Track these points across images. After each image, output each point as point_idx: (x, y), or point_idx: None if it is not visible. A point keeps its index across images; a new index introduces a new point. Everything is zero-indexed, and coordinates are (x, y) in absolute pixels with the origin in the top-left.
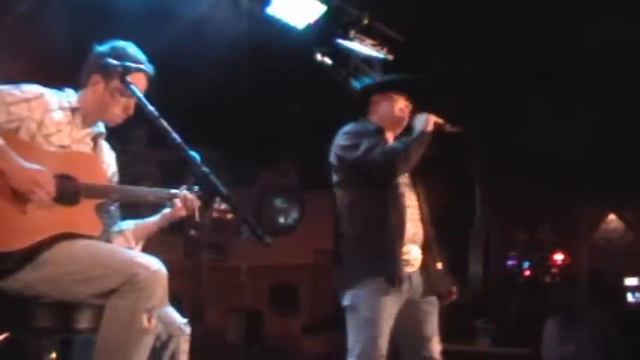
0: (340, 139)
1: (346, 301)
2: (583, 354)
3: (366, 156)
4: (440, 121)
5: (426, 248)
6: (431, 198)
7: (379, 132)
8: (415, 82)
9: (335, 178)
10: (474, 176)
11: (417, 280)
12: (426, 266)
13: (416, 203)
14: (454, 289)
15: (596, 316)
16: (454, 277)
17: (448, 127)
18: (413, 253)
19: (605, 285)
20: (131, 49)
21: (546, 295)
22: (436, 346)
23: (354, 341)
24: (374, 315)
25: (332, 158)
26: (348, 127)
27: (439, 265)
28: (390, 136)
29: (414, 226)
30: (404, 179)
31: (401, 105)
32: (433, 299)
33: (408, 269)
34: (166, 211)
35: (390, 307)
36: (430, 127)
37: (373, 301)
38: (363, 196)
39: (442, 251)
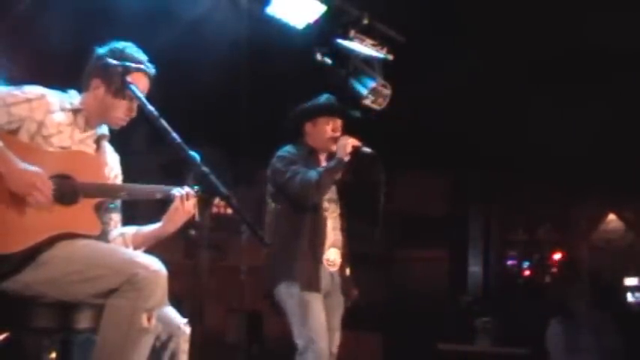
0: (275, 161)
1: (278, 292)
2: None
3: (287, 183)
4: (357, 143)
5: (344, 253)
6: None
7: (311, 154)
8: (343, 109)
9: (269, 189)
10: (379, 193)
11: (337, 277)
12: (342, 268)
13: (338, 212)
14: (355, 292)
15: (597, 318)
16: (357, 283)
17: (364, 149)
18: (334, 255)
19: (605, 285)
20: (131, 49)
21: (546, 295)
22: (337, 340)
23: (297, 327)
24: (308, 299)
25: (268, 173)
26: (282, 151)
27: (347, 271)
28: (322, 157)
29: (335, 233)
30: (330, 194)
31: (332, 127)
32: (341, 297)
33: (331, 268)
34: (168, 214)
35: (319, 297)
36: (347, 154)
37: (301, 293)
38: (289, 209)
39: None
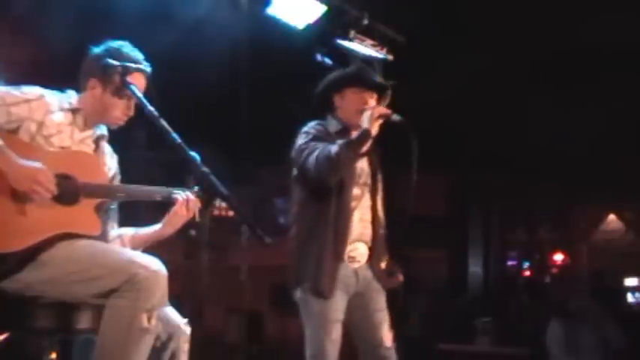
0: (298, 138)
1: (296, 296)
2: None
3: (305, 161)
4: (385, 111)
5: (373, 247)
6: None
7: (342, 130)
8: (373, 78)
9: (293, 172)
10: (412, 164)
11: (364, 273)
12: (371, 262)
13: (369, 203)
14: (393, 280)
15: (598, 317)
16: (394, 277)
17: (394, 117)
18: (359, 250)
19: (606, 285)
20: (127, 48)
21: (546, 295)
22: (387, 334)
23: (308, 335)
24: (323, 310)
25: (292, 154)
26: (307, 126)
27: (383, 265)
28: (355, 134)
29: (362, 226)
30: (362, 179)
31: (362, 98)
32: (380, 290)
33: (354, 265)
34: (168, 217)
35: (336, 303)
36: (373, 124)
37: (318, 299)
38: (312, 195)
39: (387, 251)
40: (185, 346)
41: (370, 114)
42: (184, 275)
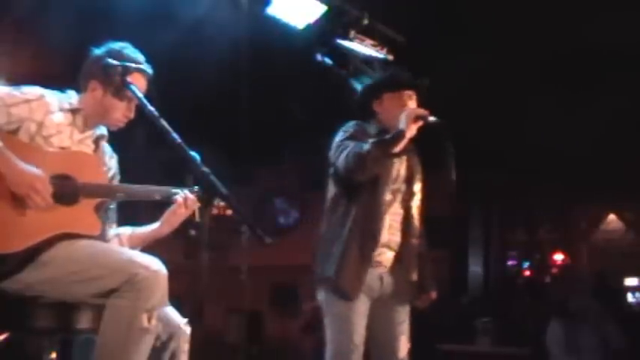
0: (336, 137)
1: (319, 296)
2: None
3: (336, 159)
4: (422, 112)
5: (400, 255)
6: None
7: (380, 134)
8: (410, 80)
9: (329, 170)
10: (449, 166)
11: (389, 279)
12: (396, 271)
13: (400, 211)
14: (428, 297)
15: (598, 317)
16: (427, 293)
17: (431, 119)
18: (385, 255)
19: (607, 285)
20: (128, 49)
21: (546, 295)
22: (403, 346)
23: (328, 336)
24: (346, 312)
25: (330, 152)
26: (346, 125)
27: (414, 276)
28: None
29: (390, 233)
30: (396, 185)
31: (400, 102)
32: (404, 301)
33: (380, 270)
34: (166, 216)
35: (359, 306)
36: (410, 126)
37: (340, 300)
38: (343, 194)
39: (422, 262)
40: (185, 346)
41: (407, 115)
42: (184, 275)
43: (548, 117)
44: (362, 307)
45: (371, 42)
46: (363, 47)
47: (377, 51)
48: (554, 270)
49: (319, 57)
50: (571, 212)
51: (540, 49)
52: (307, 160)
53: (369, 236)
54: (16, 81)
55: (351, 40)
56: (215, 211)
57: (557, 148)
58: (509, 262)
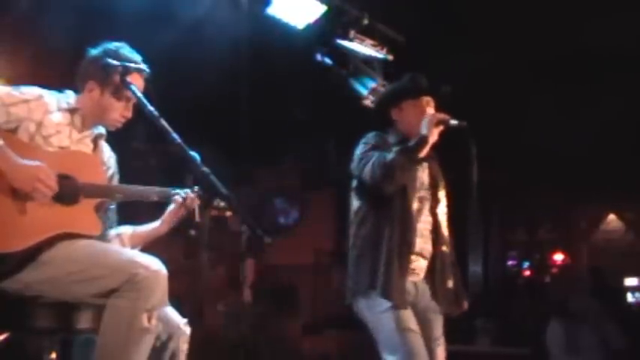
0: (357, 149)
1: (357, 307)
2: None
3: (361, 171)
4: (443, 116)
5: (432, 263)
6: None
7: (402, 143)
8: (429, 87)
9: (352, 184)
10: (471, 171)
11: (423, 286)
12: (431, 279)
13: (430, 219)
14: (460, 306)
15: (598, 317)
16: (459, 304)
17: (452, 122)
18: (418, 263)
19: (606, 283)
20: (125, 49)
21: (546, 295)
22: (440, 352)
23: (382, 341)
24: (399, 319)
25: (352, 166)
26: (366, 137)
27: (449, 284)
28: None
29: (423, 241)
30: (421, 193)
31: (420, 109)
32: (436, 308)
33: (414, 278)
34: (165, 216)
35: (408, 313)
36: (432, 131)
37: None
38: (373, 208)
39: (455, 271)
40: (184, 347)
41: (429, 120)
42: (184, 275)
43: (548, 117)
44: (409, 313)
45: (371, 42)
46: (363, 47)
47: (377, 51)
48: (554, 270)
49: (319, 57)
50: (571, 212)
51: (540, 50)
52: (307, 160)
53: (405, 246)
54: (15, 81)
55: (351, 40)
56: (215, 213)
57: (557, 148)
58: (509, 262)
